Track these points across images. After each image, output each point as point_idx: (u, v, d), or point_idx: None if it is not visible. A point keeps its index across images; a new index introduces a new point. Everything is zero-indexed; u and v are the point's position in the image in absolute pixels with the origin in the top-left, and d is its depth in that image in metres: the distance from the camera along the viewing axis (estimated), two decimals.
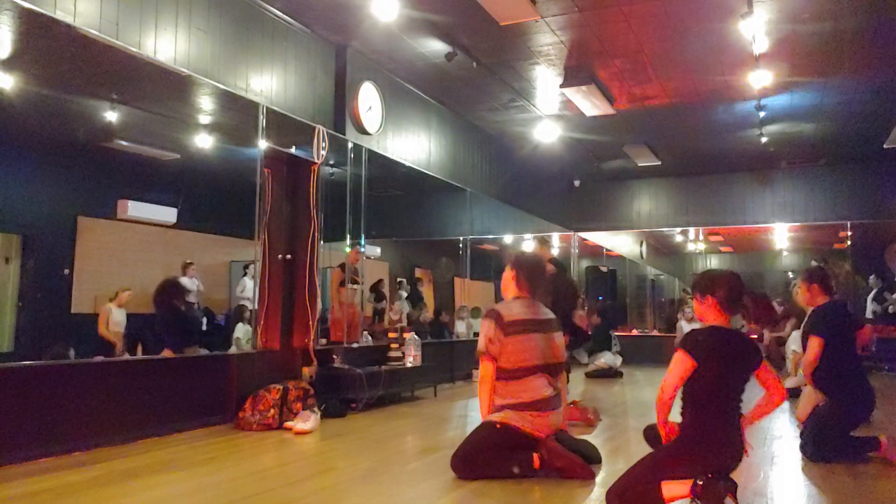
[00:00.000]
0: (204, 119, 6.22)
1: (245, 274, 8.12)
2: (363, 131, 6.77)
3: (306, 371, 5.61)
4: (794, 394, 5.93)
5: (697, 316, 2.99)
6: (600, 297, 12.25)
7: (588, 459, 3.56)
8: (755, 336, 9.43)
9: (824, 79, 7.44)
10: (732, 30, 6.11)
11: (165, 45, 4.81)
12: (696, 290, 2.95)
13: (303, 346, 5.75)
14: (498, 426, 3.41)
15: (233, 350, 6.94)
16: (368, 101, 6.83)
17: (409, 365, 6.61)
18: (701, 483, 2.59)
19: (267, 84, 5.77)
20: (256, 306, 5.63)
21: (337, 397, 5.56)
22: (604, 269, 12.87)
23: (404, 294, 9.64)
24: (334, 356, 6.01)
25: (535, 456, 3.38)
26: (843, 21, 6.00)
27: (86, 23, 4.23)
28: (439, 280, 10.93)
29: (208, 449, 4.17)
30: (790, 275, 15.78)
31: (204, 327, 7.99)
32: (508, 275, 3.75)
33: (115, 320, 6.91)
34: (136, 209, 7.20)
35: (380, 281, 9.05)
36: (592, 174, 12.08)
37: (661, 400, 2.84)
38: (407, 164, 7.66)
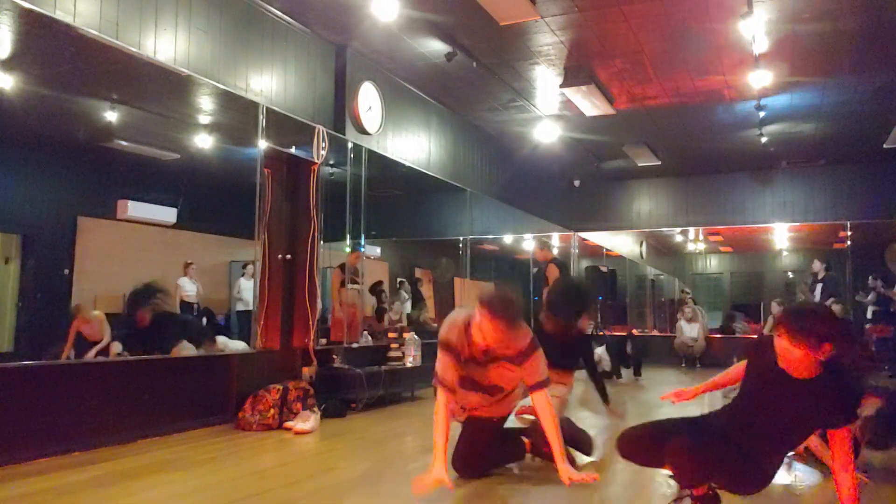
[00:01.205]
0: (204, 119, 6.22)
1: (243, 274, 8.09)
2: (363, 131, 6.77)
3: (306, 371, 5.61)
4: None
5: (788, 363, 2.44)
6: (600, 297, 12.23)
7: (578, 448, 3.75)
8: (755, 336, 9.43)
9: (824, 79, 7.44)
10: (732, 30, 6.11)
11: (165, 45, 4.81)
12: (810, 336, 2.33)
13: (303, 346, 5.75)
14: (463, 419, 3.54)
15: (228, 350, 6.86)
16: (368, 101, 6.83)
17: (409, 365, 6.61)
18: (711, 494, 2.67)
19: (267, 84, 5.77)
20: (254, 307, 5.63)
21: (337, 397, 5.56)
22: (604, 269, 12.84)
23: (406, 296, 9.63)
24: (334, 356, 6.01)
25: (527, 442, 3.63)
26: (843, 21, 6.00)
27: (86, 23, 4.23)
28: (439, 280, 10.92)
29: (208, 449, 4.17)
30: (790, 275, 15.77)
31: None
32: (488, 326, 3.10)
33: (88, 333, 5.74)
34: (136, 209, 7.16)
35: (379, 282, 9.05)
36: (592, 174, 12.08)
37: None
38: (407, 164, 7.65)
